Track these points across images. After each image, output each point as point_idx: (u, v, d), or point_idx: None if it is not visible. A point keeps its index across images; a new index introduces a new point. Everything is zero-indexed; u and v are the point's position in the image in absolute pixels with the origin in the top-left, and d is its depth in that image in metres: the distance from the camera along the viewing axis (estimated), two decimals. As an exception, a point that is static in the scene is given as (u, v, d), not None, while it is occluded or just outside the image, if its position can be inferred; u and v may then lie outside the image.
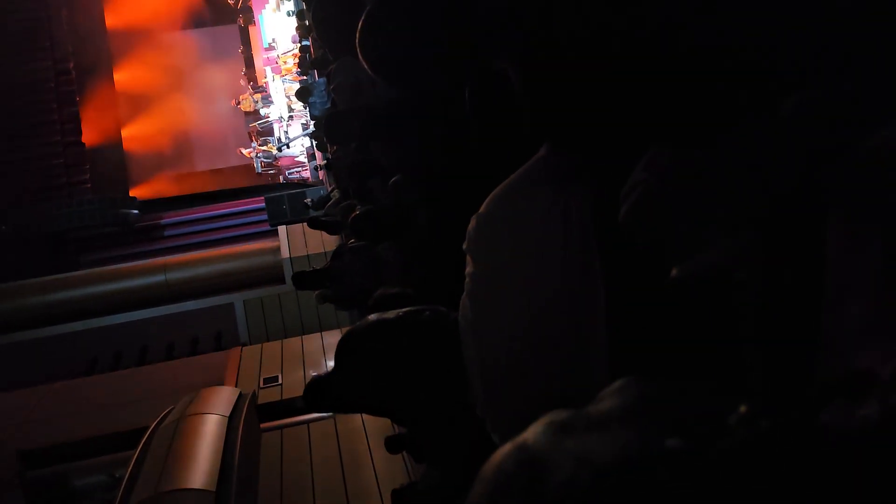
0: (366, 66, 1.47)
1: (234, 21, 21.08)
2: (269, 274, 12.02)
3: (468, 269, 1.24)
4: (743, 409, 0.42)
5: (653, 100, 0.66)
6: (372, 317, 1.29)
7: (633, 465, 0.39)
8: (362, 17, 1.19)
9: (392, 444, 3.37)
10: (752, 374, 0.66)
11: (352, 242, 4.24)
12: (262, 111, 18.27)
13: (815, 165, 0.56)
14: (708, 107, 0.61)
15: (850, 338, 0.55)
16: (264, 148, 17.99)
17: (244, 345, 10.44)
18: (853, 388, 0.54)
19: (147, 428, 6.38)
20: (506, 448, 0.45)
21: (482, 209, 1.23)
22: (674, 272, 0.63)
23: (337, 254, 4.37)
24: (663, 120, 0.66)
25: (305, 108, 11.05)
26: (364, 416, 5.72)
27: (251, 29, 20.61)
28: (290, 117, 17.38)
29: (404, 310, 1.29)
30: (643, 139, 0.65)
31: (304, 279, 4.44)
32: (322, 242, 11.45)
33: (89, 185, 16.19)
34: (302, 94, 8.36)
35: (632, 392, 0.47)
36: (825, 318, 0.57)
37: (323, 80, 6.60)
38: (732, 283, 0.64)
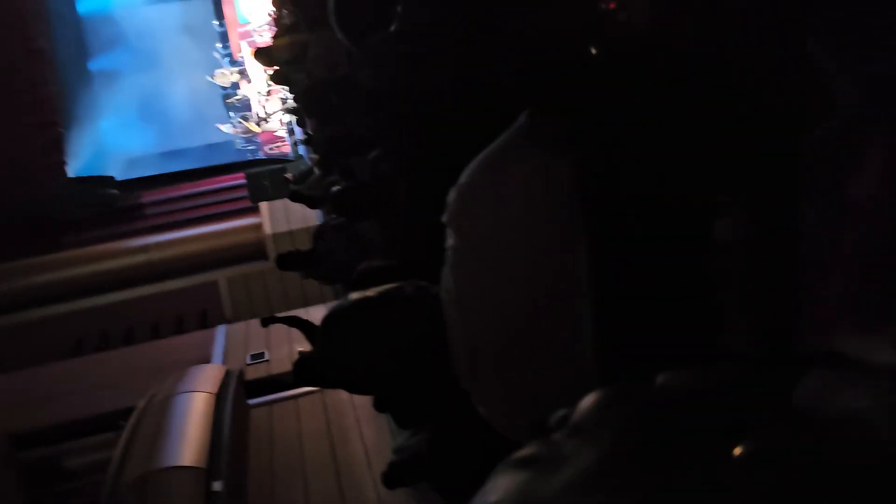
0: (340, 36, 1.43)
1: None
2: (253, 251, 11.97)
3: (449, 242, 1.22)
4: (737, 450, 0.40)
5: (637, 56, 0.64)
6: (354, 295, 1.27)
7: None
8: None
9: (379, 404, 3.39)
10: (735, 346, 0.65)
11: (333, 219, 4.19)
12: (240, 88, 18.02)
13: (795, 132, 0.54)
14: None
15: (830, 315, 0.53)
16: (244, 124, 17.80)
17: (229, 322, 10.41)
18: (831, 366, 0.52)
19: (135, 408, 6.37)
20: None
21: (462, 179, 1.20)
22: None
23: (319, 233, 4.32)
24: (649, 77, 0.63)
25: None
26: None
27: (224, 2, 20.22)
28: (268, 92, 17.15)
29: (385, 287, 1.27)
30: (629, 100, 0.63)
31: (287, 261, 4.39)
32: (304, 218, 11.39)
33: (66, 166, 15.92)
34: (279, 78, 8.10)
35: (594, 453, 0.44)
36: (804, 294, 0.55)
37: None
38: (714, 244, 0.62)
